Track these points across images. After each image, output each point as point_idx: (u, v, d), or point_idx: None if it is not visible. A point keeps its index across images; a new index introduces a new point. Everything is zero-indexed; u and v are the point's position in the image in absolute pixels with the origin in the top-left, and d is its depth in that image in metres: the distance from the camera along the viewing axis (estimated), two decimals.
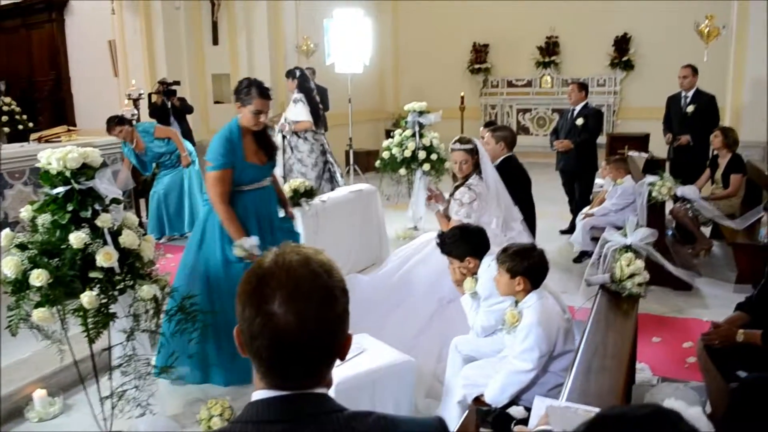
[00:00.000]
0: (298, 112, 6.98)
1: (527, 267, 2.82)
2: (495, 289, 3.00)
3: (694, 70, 7.21)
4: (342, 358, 1.21)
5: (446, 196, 4.54)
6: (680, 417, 1.03)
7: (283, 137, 7.03)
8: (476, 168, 4.29)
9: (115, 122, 6.79)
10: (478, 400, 2.84)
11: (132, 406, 3.12)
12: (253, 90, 3.73)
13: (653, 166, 6.70)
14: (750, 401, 2.55)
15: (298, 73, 7.15)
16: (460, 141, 4.37)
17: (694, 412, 1.07)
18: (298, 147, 6.99)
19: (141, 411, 3.14)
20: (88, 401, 3.20)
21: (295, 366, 1.14)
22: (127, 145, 6.94)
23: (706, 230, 6.44)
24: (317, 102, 7.19)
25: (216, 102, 10.87)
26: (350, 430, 1.14)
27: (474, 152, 4.29)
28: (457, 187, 4.28)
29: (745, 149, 7.20)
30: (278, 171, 6.48)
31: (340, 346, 1.19)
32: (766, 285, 3.27)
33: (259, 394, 1.17)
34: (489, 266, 3.15)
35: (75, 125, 9.98)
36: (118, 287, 2.98)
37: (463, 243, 3.35)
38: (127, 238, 3.03)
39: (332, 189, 6.88)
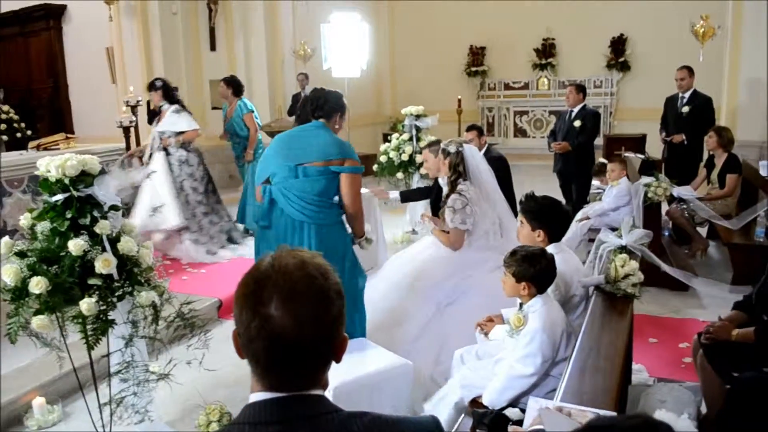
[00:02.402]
0: (181, 122, 6.48)
1: (534, 273, 2.81)
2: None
3: (691, 71, 7.26)
4: (338, 360, 1.23)
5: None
6: (670, 430, 1.04)
7: (167, 153, 6.45)
8: (456, 172, 4.30)
9: (224, 80, 7.44)
10: (475, 402, 2.86)
11: (130, 413, 3.14)
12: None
13: (649, 167, 6.72)
14: (745, 400, 2.57)
15: (159, 84, 6.63)
16: (430, 144, 4.48)
17: (685, 425, 1.09)
18: (189, 161, 6.49)
19: (140, 417, 3.16)
20: (86, 408, 3.21)
21: (292, 368, 1.16)
22: (225, 108, 7.52)
23: (703, 230, 6.46)
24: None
25: (214, 108, 10.87)
26: (347, 431, 1.16)
27: (446, 153, 4.34)
28: (447, 196, 4.30)
29: (741, 149, 7.23)
30: (169, 192, 6.26)
31: (336, 348, 1.21)
32: (764, 284, 3.30)
33: (256, 396, 1.19)
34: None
35: (73, 132, 9.99)
36: (116, 294, 3.00)
37: (547, 215, 3.25)
38: (126, 245, 3.05)
39: (218, 201, 6.73)
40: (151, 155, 6.55)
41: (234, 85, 7.41)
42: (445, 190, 4.46)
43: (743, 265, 5.21)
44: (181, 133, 6.43)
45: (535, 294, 2.84)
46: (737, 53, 8.53)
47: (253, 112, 7.47)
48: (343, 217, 3.74)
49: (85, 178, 3.06)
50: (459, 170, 4.29)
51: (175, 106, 6.52)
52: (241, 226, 7.24)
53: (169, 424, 3.54)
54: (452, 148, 4.35)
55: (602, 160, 6.74)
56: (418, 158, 7.10)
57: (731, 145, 6.30)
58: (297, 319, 1.13)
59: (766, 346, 2.97)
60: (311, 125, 3.69)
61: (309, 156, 3.55)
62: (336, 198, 3.63)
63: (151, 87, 6.65)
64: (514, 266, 2.84)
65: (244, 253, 6.56)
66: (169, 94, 6.61)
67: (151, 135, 6.63)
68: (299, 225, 3.55)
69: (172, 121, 6.45)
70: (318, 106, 3.69)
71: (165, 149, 6.45)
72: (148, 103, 8.99)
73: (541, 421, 1.69)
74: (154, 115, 8.77)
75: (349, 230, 3.84)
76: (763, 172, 6.21)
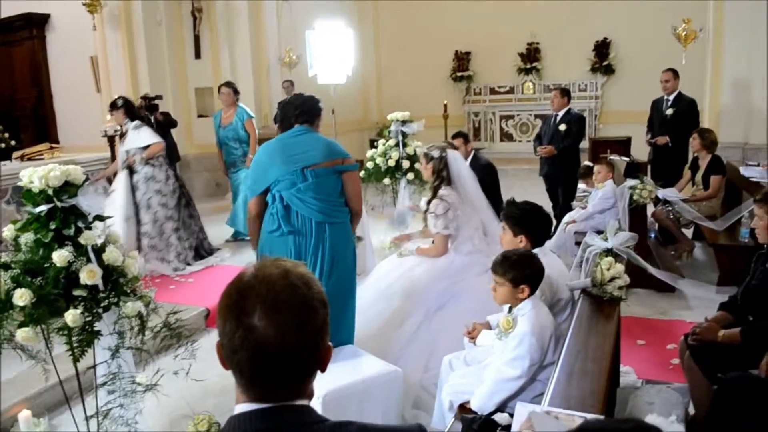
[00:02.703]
0: (144, 137, 6.31)
1: (529, 273, 2.83)
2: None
3: (675, 74, 7.31)
4: (323, 370, 1.22)
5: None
6: None
7: (132, 173, 6.28)
8: (439, 177, 4.33)
9: (228, 86, 7.65)
10: (463, 407, 2.85)
11: (117, 425, 3.11)
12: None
13: (635, 170, 6.76)
14: (731, 401, 2.58)
15: (121, 103, 6.41)
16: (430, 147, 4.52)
17: (675, 429, 1.09)
18: (155, 177, 6.30)
19: (126, 429, 3.13)
20: (73, 421, 3.18)
21: (276, 378, 1.15)
22: (219, 115, 7.69)
23: (688, 232, 6.51)
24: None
25: (200, 116, 10.85)
26: None
27: (429, 158, 4.38)
28: (429, 202, 4.32)
29: (725, 150, 7.29)
30: (120, 213, 5.95)
31: (320, 358, 1.20)
32: (749, 284, 3.32)
33: (241, 407, 1.18)
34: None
35: (58, 142, 9.94)
36: (102, 305, 2.97)
37: (529, 220, 3.26)
38: (111, 255, 3.03)
39: (190, 215, 6.62)
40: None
41: (238, 92, 7.64)
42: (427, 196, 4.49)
43: (729, 266, 5.25)
44: (146, 148, 6.27)
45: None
46: (719, 55, 8.59)
47: (252, 118, 7.58)
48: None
49: (68, 188, 3.04)
50: (442, 175, 4.31)
51: (135, 123, 6.36)
52: (218, 241, 7.23)
53: None
54: (435, 153, 4.36)
55: (588, 162, 6.76)
56: (405, 164, 7.10)
57: (714, 147, 6.35)
58: (280, 329, 1.12)
59: (751, 346, 2.99)
60: (299, 130, 3.73)
61: (314, 158, 3.60)
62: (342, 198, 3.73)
63: (113, 107, 6.44)
64: (510, 272, 2.83)
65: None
66: (132, 112, 6.45)
67: (119, 155, 6.47)
68: (318, 226, 3.58)
69: (133, 138, 6.30)
70: (303, 111, 3.75)
71: (129, 168, 6.28)
72: None
73: (529, 426, 1.69)
74: None
75: None
76: (749, 174, 6.26)
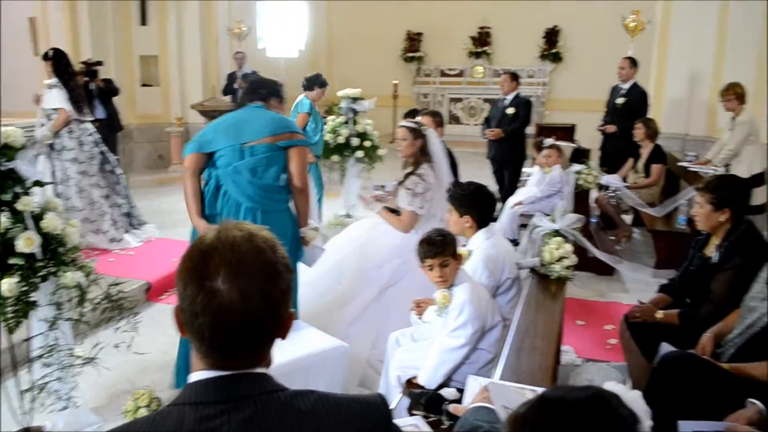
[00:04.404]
0: (51, 99, 5.78)
1: (473, 202, 3.25)
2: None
3: (632, 63, 7.33)
4: (283, 337, 1.19)
5: (388, 187, 4.53)
6: (620, 400, 1.05)
7: (51, 151, 5.79)
8: (422, 154, 4.16)
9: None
10: (410, 382, 2.87)
11: (54, 400, 3.01)
12: None
13: (580, 156, 6.90)
14: (668, 378, 2.67)
15: (50, 54, 5.84)
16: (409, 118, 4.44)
17: (633, 395, 1.11)
18: (66, 146, 5.81)
19: (63, 404, 3.02)
20: (7, 395, 3.06)
21: (237, 344, 1.12)
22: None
23: (628, 218, 6.70)
24: (79, 87, 6.12)
25: (144, 85, 10.52)
26: (293, 409, 1.13)
27: (416, 134, 4.16)
28: (407, 176, 4.14)
29: (666, 140, 7.49)
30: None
31: (282, 324, 1.17)
32: (687, 269, 3.44)
33: (198, 375, 1.14)
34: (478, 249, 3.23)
35: None
36: (39, 274, 2.86)
37: (473, 200, 3.28)
38: (50, 223, 2.91)
39: (117, 182, 6.14)
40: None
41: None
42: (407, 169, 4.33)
43: (666, 251, 5.43)
44: (55, 111, 5.77)
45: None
46: (665, 48, 8.80)
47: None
48: (290, 204, 3.64)
49: (6, 151, 2.90)
50: (426, 153, 4.17)
51: (50, 81, 5.82)
52: (157, 215, 6.86)
53: (95, 411, 3.40)
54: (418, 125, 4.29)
55: (549, 140, 6.61)
56: (354, 141, 7.05)
57: (656, 136, 6.53)
58: (244, 293, 1.08)
59: (687, 328, 3.10)
60: (251, 106, 3.61)
61: (256, 133, 3.43)
62: (283, 177, 3.52)
63: (45, 57, 5.89)
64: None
65: (152, 236, 6.30)
66: (59, 68, 5.83)
67: (38, 117, 5.94)
68: (246, 210, 3.41)
69: (47, 98, 5.83)
70: (253, 90, 3.68)
71: (51, 146, 5.80)
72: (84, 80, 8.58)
73: (483, 397, 1.70)
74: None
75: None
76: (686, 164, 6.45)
